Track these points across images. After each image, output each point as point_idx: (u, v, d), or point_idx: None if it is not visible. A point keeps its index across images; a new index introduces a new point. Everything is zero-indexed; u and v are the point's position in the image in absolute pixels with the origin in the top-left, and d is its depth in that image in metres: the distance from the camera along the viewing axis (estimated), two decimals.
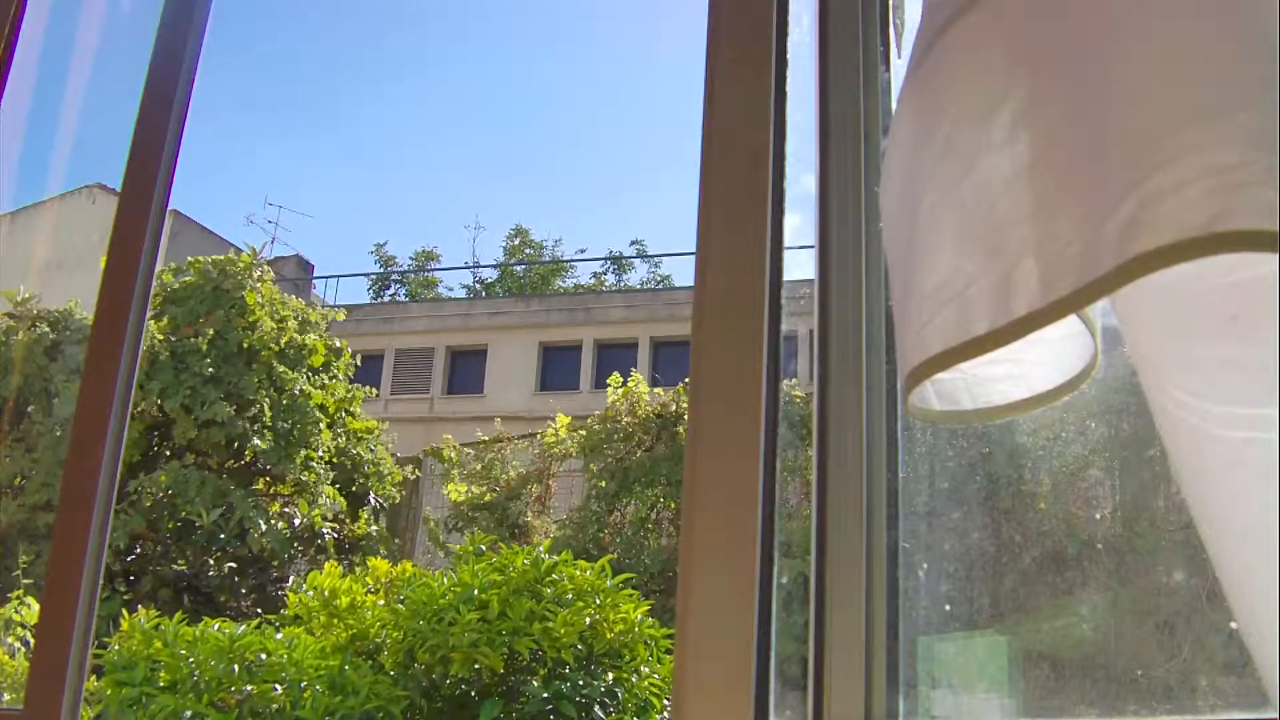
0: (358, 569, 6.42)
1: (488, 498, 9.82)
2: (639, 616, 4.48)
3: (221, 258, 9.15)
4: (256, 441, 8.49)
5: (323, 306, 11.00)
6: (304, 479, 8.74)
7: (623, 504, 9.06)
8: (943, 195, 0.78)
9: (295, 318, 9.26)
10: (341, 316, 10.09)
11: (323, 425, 9.07)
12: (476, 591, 4.43)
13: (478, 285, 26.05)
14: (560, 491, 10.11)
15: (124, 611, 4.81)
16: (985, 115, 0.75)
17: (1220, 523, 0.79)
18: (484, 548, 5.01)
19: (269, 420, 8.72)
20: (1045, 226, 0.68)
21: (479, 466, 10.41)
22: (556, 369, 17.13)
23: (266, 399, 8.75)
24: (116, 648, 4.44)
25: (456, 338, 17.79)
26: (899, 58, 1.41)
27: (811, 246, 1.35)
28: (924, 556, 1.59)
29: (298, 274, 18.05)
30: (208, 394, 8.43)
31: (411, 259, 27.17)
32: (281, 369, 8.93)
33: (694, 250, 1.30)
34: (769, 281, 1.25)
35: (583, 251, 32.46)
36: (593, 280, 25.82)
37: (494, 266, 26.48)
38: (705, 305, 1.26)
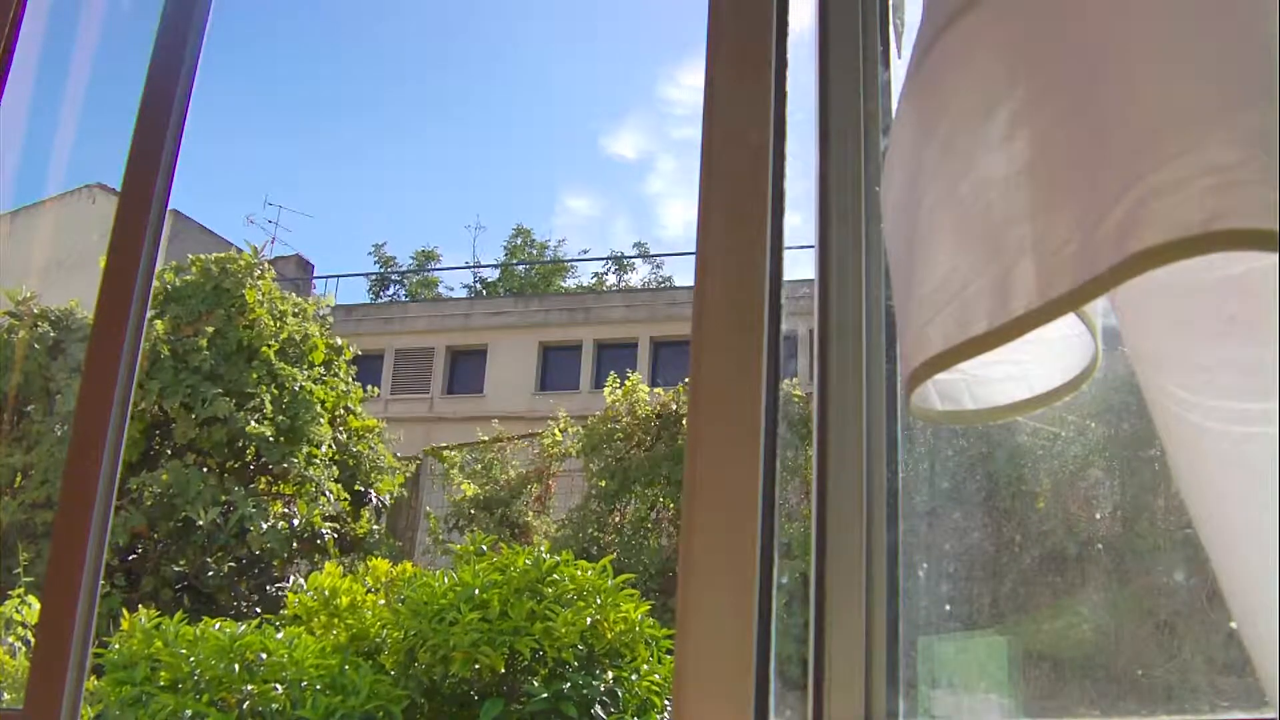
0: (359, 568, 6.41)
1: (488, 495, 9.82)
2: (639, 616, 4.48)
3: (223, 255, 9.15)
4: (255, 424, 8.44)
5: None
6: (307, 474, 8.73)
7: (622, 504, 9.06)
8: (943, 195, 0.78)
9: (294, 313, 9.27)
10: (332, 301, 10.14)
11: (324, 420, 9.06)
12: (477, 591, 4.43)
13: (478, 285, 26.07)
14: (560, 491, 10.11)
15: (124, 611, 4.81)
16: (985, 115, 0.75)
17: (1220, 521, 0.79)
18: (484, 548, 5.02)
19: (270, 414, 8.72)
20: (1043, 226, 0.68)
21: (479, 467, 10.41)
22: (556, 369, 17.12)
23: (267, 394, 8.75)
24: (117, 647, 4.43)
25: (456, 338, 17.79)
26: (899, 58, 1.41)
27: (811, 246, 1.35)
28: (924, 556, 1.59)
29: (298, 274, 18.04)
30: (207, 391, 8.42)
31: (412, 259, 27.20)
32: (281, 365, 8.93)
33: (694, 250, 1.30)
34: (769, 281, 1.25)
35: (585, 252, 32.50)
36: (594, 280, 25.84)
37: (494, 266, 26.50)
38: (705, 305, 1.26)
